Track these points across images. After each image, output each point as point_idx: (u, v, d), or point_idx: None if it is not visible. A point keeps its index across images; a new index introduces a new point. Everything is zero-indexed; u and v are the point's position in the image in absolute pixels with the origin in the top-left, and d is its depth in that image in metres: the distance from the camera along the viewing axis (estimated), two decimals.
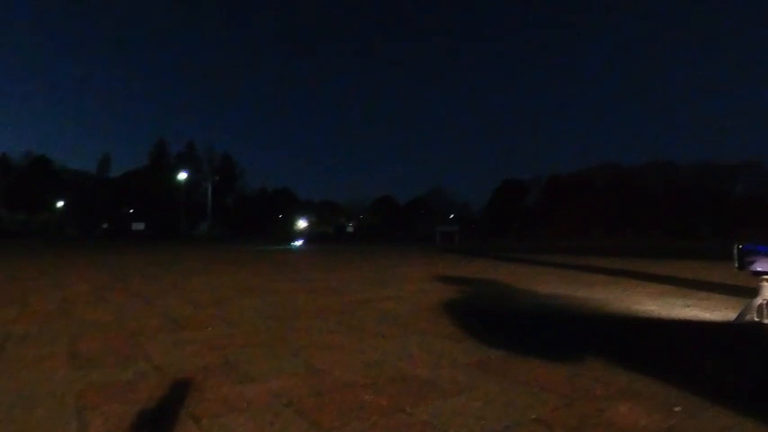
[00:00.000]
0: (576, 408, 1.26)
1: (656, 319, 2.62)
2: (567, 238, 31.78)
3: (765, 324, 2.33)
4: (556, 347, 1.99)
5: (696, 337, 2.25)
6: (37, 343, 2.02)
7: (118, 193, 51.88)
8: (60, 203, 51.29)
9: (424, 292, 3.71)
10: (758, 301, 2.35)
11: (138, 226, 49.06)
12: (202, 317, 2.66)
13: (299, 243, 18.13)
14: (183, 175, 40.83)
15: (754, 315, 2.38)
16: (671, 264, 7.20)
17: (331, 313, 2.77)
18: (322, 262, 8.09)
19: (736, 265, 2.34)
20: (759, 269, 2.29)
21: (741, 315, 2.44)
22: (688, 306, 3.00)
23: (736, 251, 2.34)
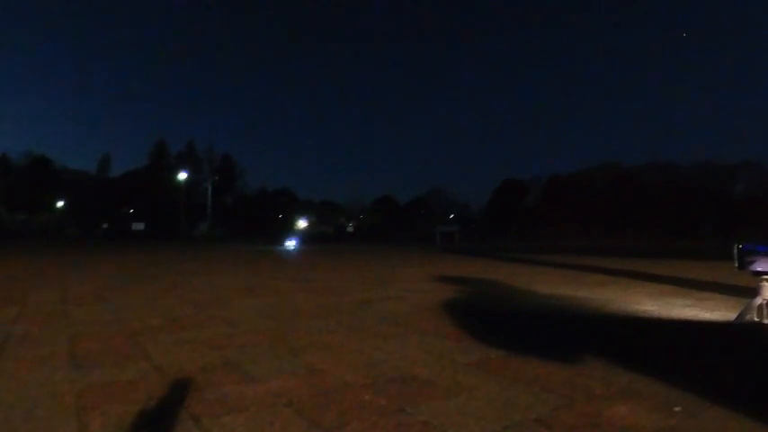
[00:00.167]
0: (576, 408, 1.26)
1: (656, 319, 2.62)
2: (567, 238, 31.79)
3: (765, 324, 2.33)
4: (556, 347, 1.99)
5: (696, 337, 2.25)
6: (37, 343, 2.02)
7: (118, 193, 51.88)
8: (60, 203, 51.30)
9: (424, 292, 3.71)
10: (758, 301, 2.35)
11: (138, 226, 49.04)
12: (202, 317, 2.66)
13: (293, 243, 16.64)
14: (183, 175, 40.81)
15: (754, 315, 2.38)
16: (671, 264, 7.20)
17: (331, 313, 2.77)
18: (322, 262, 8.09)
19: (736, 265, 2.35)
20: (759, 269, 2.29)
21: (741, 315, 2.44)
22: (688, 306, 3.00)
23: (736, 251, 2.34)
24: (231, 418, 1.20)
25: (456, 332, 2.24)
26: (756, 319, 2.37)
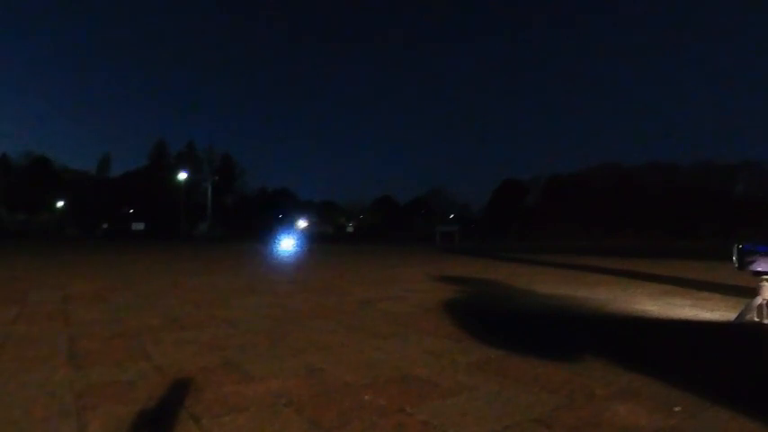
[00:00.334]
0: (575, 408, 1.26)
1: (656, 319, 2.62)
2: (567, 238, 31.79)
3: (765, 324, 2.33)
4: (556, 347, 1.99)
5: (696, 337, 2.25)
6: (37, 343, 2.02)
7: (118, 193, 51.87)
8: (60, 203, 51.30)
9: (424, 292, 3.71)
10: (758, 301, 2.35)
11: (138, 226, 49.03)
12: (202, 317, 2.66)
13: (293, 244, 16.02)
14: (183, 175, 40.86)
15: (754, 315, 2.38)
16: (671, 264, 7.20)
17: (331, 313, 2.77)
18: (322, 262, 8.09)
19: (736, 265, 2.35)
20: (759, 269, 2.29)
21: (741, 315, 2.44)
22: (688, 306, 3.00)
23: (736, 251, 2.34)
24: (231, 418, 1.20)
25: (456, 332, 2.24)
26: (756, 319, 2.38)
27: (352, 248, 14.33)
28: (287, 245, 15.70)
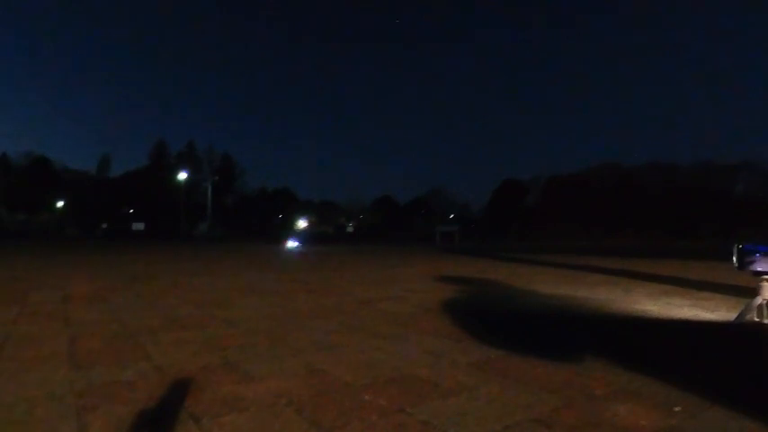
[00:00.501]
0: (576, 408, 1.26)
1: (656, 319, 2.62)
2: (567, 238, 31.78)
3: (765, 324, 2.33)
4: (556, 347, 1.99)
5: (696, 337, 2.25)
6: (37, 343, 2.02)
7: (118, 193, 51.87)
8: (60, 203, 51.30)
9: (425, 292, 3.71)
10: (758, 301, 2.35)
11: (138, 226, 49.02)
12: (202, 317, 2.66)
13: (294, 244, 15.77)
14: (183, 175, 40.84)
15: (754, 315, 2.38)
16: (671, 264, 7.20)
17: (331, 313, 2.77)
18: (322, 262, 8.09)
19: (737, 265, 2.35)
20: (759, 269, 2.29)
21: (741, 315, 2.44)
22: (688, 306, 3.00)
23: (736, 251, 2.34)
24: (231, 418, 1.20)
25: (456, 332, 2.24)
26: (756, 319, 2.38)
27: (352, 248, 14.33)
28: (289, 245, 15.65)
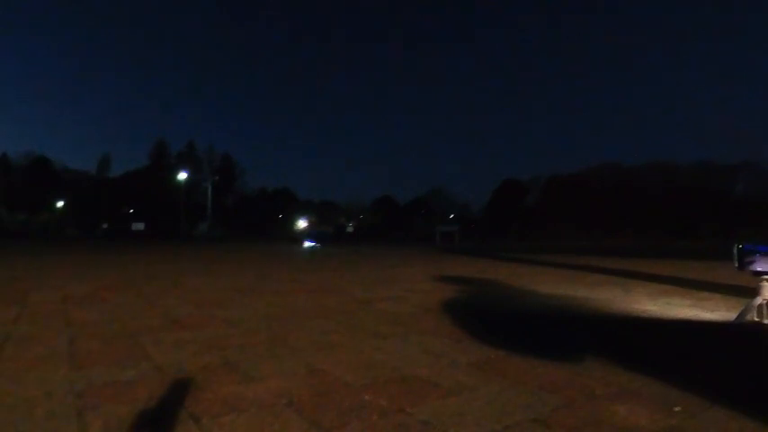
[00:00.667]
0: (576, 408, 1.26)
1: (656, 319, 2.62)
2: (567, 238, 31.79)
3: (765, 324, 2.33)
4: (556, 347, 1.99)
5: (696, 337, 2.25)
6: (37, 343, 2.02)
7: (118, 193, 51.88)
8: (60, 203, 51.31)
9: (424, 292, 3.71)
10: (758, 301, 2.35)
11: (138, 226, 49.00)
12: (202, 317, 2.66)
13: (311, 244, 15.70)
14: (183, 175, 40.86)
15: (754, 315, 2.38)
16: (671, 264, 7.20)
17: (331, 313, 2.77)
18: (322, 262, 8.09)
19: (736, 265, 2.35)
20: (759, 269, 2.29)
21: (741, 315, 2.44)
22: (688, 306, 3.00)
23: (736, 251, 2.34)
24: (231, 418, 1.20)
25: (456, 332, 2.24)
26: (756, 319, 2.38)
27: (352, 249, 14.33)
28: (305, 245, 15.44)
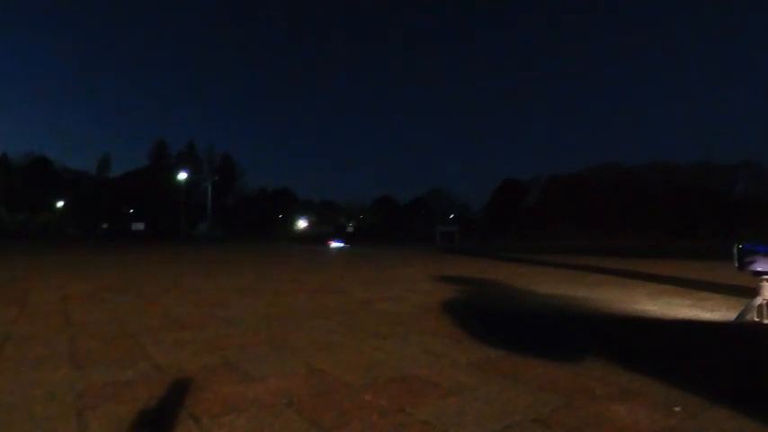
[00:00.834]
0: (575, 408, 1.26)
1: (656, 319, 2.62)
2: (567, 238, 31.78)
3: (765, 324, 2.33)
4: (556, 347, 1.99)
5: (696, 337, 2.25)
6: (37, 343, 2.02)
7: (118, 193, 51.89)
8: (60, 203, 51.32)
9: (424, 293, 3.71)
10: (758, 300, 2.35)
11: (138, 226, 48.92)
12: (202, 317, 2.66)
13: (338, 245, 15.28)
14: (182, 175, 40.86)
15: (754, 315, 2.38)
16: (671, 264, 7.20)
17: (331, 313, 2.77)
18: (322, 262, 8.09)
19: (736, 265, 2.35)
20: (759, 269, 2.29)
21: (741, 315, 2.44)
22: (688, 306, 3.00)
23: (736, 251, 2.34)
24: (231, 419, 1.20)
25: (456, 332, 2.24)
26: (756, 319, 2.38)
27: (351, 249, 14.33)
28: (332, 245, 15.21)
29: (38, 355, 1.81)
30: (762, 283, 2.33)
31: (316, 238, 23.25)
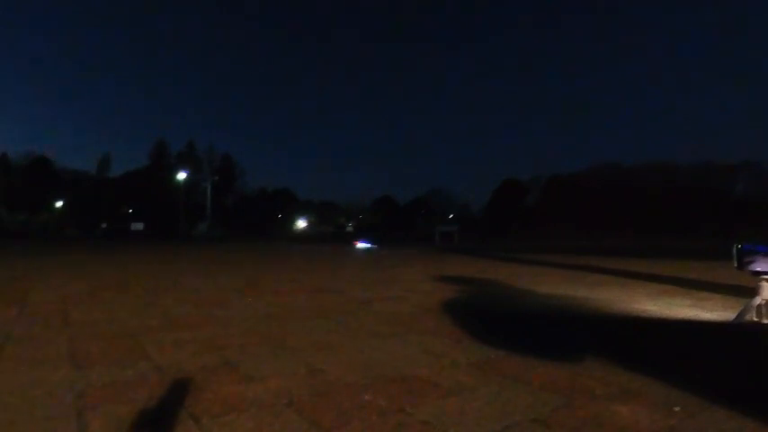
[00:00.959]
0: (575, 408, 1.26)
1: (656, 319, 2.62)
2: (567, 238, 31.79)
3: (765, 324, 2.33)
4: (556, 347, 1.99)
5: (696, 337, 2.25)
6: (37, 343, 2.02)
7: (118, 193, 51.87)
8: (60, 203, 51.31)
9: (424, 293, 3.71)
10: (757, 300, 2.35)
11: (138, 226, 48.84)
12: (202, 317, 2.66)
13: (366, 245, 15.07)
14: (182, 175, 40.89)
15: (754, 315, 2.38)
16: (671, 264, 7.20)
17: (331, 313, 2.77)
18: (322, 262, 8.09)
19: (736, 265, 2.35)
20: (758, 269, 2.29)
21: (741, 315, 2.44)
22: (688, 306, 3.00)
23: (735, 251, 2.35)
24: (231, 418, 1.20)
25: (456, 332, 2.24)
26: (756, 319, 2.38)
27: (352, 249, 14.33)
28: (359, 246, 15.13)
29: (38, 355, 1.81)
30: (761, 283, 2.33)
31: (317, 237, 23.19)
